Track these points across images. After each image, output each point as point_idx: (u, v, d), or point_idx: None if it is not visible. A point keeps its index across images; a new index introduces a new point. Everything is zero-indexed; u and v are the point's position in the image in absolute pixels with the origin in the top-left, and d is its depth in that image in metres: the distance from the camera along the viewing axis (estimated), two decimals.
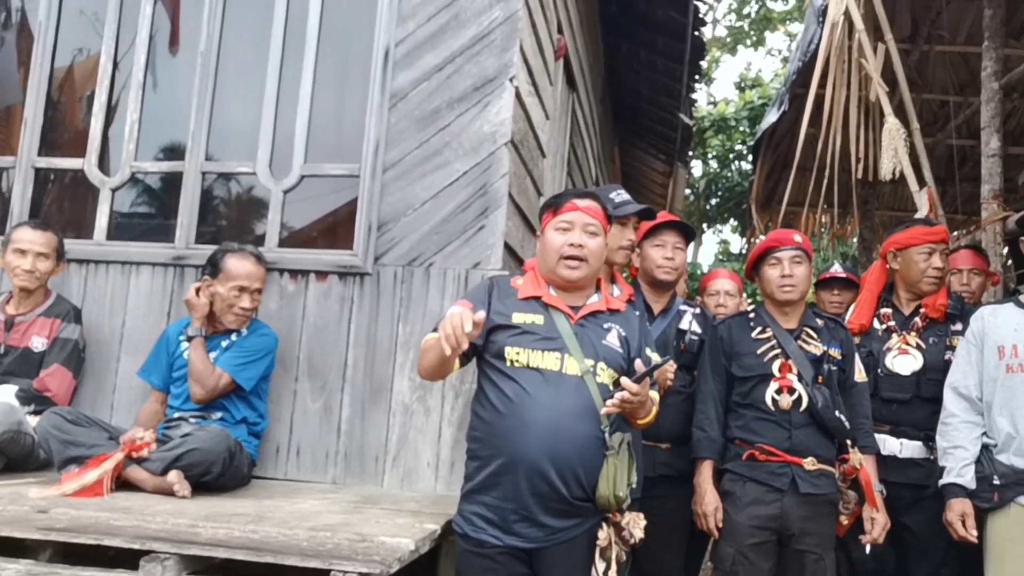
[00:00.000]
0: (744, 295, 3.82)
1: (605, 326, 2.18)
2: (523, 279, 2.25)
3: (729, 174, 13.74)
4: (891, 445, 2.83)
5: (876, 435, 2.81)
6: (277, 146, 3.22)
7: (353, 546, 1.95)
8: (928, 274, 2.89)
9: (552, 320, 2.14)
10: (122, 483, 2.49)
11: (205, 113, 3.28)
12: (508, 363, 2.09)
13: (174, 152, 3.40)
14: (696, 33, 5.67)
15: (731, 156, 13.25)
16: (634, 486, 2.13)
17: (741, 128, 12.63)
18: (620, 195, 2.61)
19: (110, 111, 3.43)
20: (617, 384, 2.12)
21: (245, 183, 3.41)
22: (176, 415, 2.81)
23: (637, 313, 2.56)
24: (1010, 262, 4.36)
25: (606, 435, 2.04)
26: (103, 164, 3.39)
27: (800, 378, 2.54)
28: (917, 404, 2.79)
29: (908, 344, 2.87)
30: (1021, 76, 4.32)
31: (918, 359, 2.84)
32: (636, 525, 2.08)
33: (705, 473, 2.62)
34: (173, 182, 3.34)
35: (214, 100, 3.30)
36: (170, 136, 3.45)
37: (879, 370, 2.88)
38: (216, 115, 3.30)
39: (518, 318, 2.13)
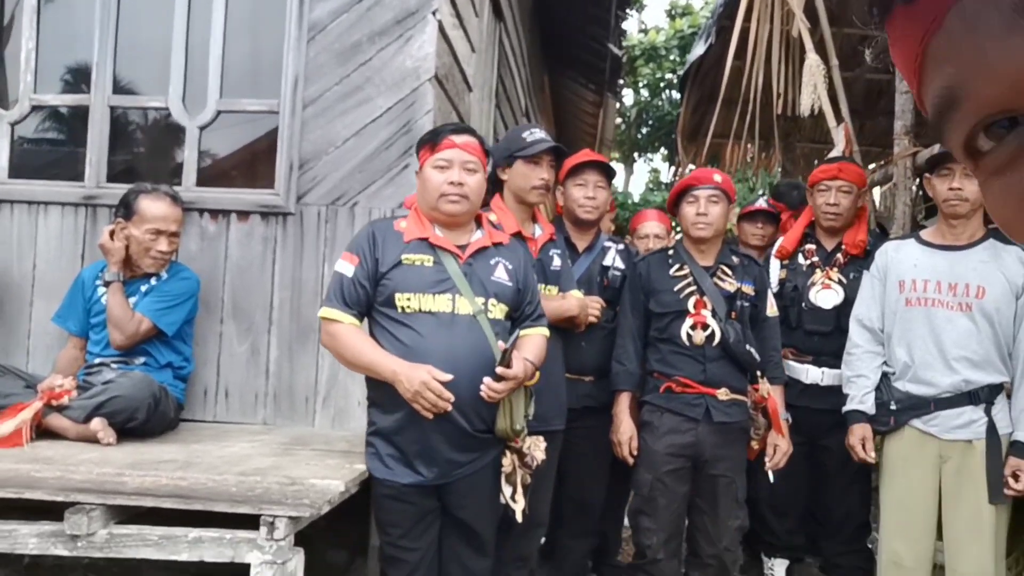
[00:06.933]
0: (672, 234, 3.88)
1: (492, 261, 2.23)
2: (407, 221, 2.24)
3: (660, 103, 13.78)
4: (814, 374, 2.99)
5: (800, 365, 2.99)
6: (190, 80, 3.08)
7: (283, 490, 1.97)
8: (823, 210, 3.03)
9: (441, 261, 2.16)
10: (43, 432, 2.45)
11: (109, 42, 3.09)
12: (399, 310, 2.12)
13: (78, 85, 3.21)
14: None
15: (662, 85, 13.27)
16: (530, 417, 2.22)
17: (671, 57, 12.62)
18: (533, 134, 2.60)
19: (1, 38, 3.20)
20: (509, 317, 2.24)
21: (158, 118, 3.26)
22: (97, 361, 2.73)
23: (558, 251, 2.61)
24: (920, 194, 4.54)
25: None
26: None
27: (714, 314, 2.64)
28: (837, 336, 2.90)
29: (830, 279, 3.00)
30: None
31: (839, 294, 2.98)
32: (537, 448, 2.19)
33: (623, 404, 2.73)
34: (80, 116, 3.16)
35: (118, 28, 3.11)
36: (73, 67, 3.25)
37: (803, 304, 3.02)
38: (122, 45, 3.12)
39: (407, 260, 2.15)
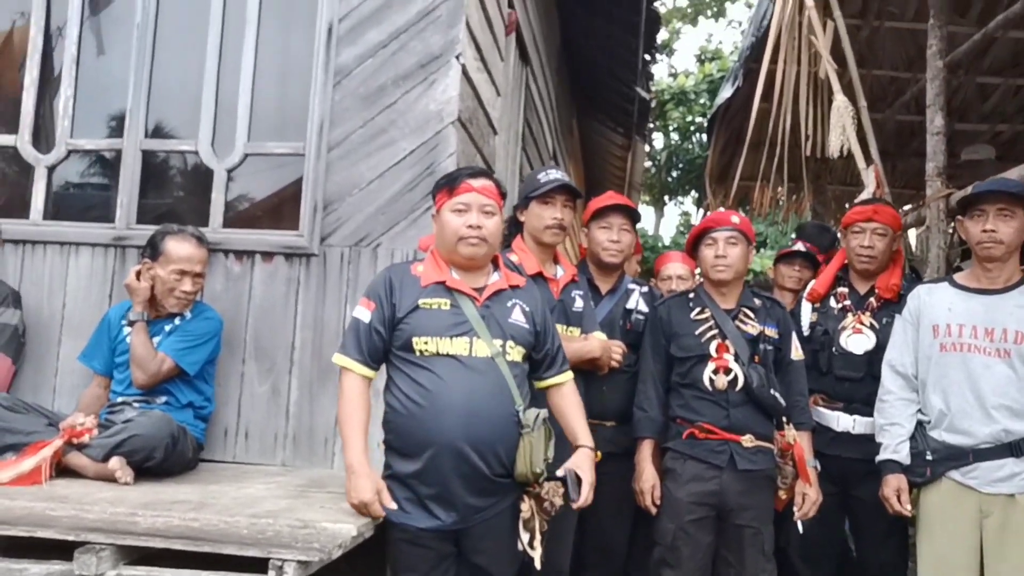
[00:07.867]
0: (696, 277, 3.82)
1: (509, 304, 2.23)
2: (424, 265, 2.26)
3: (690, 146, 13.82)
4: (844, 422, 2.88)
5: (831, 412, 2.89)
6: (219, 124, 3.15)
7: (294, 533, 1.94)
8: (856, 252, 2.96)
9: (458, 304, 2.17)
10: (63, 470, 2.45)
11: (143, 89, 3.18)
12: (418, 353, 2.12)
13: (113, 129, 3.30)
14: (652, 5, 5.64)
15: (692, 128, 13.31)
16: (550, 460, 2.17)
17: (701, 101, 12.68)
18: (547, 175, 2.61)
19: (43, 86, 3.31)
20: (527, 359, 2.25)
21: (187, 161, 3.33)
22: (119, 400, 2.75)
23: (580, 292, 2.58)
24: (955, 237, 4.44)
25: (520, 414, 2.09)
26: (37, 141, 3.28)
27: (737, 358, 2.58)
28: (869, 382, 2.80)
29: (862, 324, 2.92)
30: (966, 53, 4.37)
31: (871, 339, 2.89)
32: (555, 494, 2.15)
33: (644, 452, 2.67)
34: (113, 160, 3.24)
35: (152, 75, 3.20)
36: (108, 113, 3.34)
37: (834, 349, 2.93)
38: (155, 91, 3.21)
39: (424, 304, 2.16)
